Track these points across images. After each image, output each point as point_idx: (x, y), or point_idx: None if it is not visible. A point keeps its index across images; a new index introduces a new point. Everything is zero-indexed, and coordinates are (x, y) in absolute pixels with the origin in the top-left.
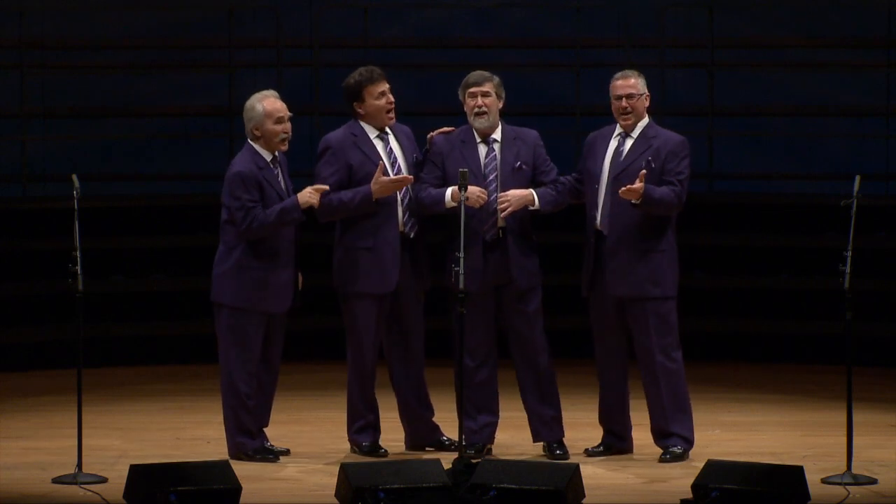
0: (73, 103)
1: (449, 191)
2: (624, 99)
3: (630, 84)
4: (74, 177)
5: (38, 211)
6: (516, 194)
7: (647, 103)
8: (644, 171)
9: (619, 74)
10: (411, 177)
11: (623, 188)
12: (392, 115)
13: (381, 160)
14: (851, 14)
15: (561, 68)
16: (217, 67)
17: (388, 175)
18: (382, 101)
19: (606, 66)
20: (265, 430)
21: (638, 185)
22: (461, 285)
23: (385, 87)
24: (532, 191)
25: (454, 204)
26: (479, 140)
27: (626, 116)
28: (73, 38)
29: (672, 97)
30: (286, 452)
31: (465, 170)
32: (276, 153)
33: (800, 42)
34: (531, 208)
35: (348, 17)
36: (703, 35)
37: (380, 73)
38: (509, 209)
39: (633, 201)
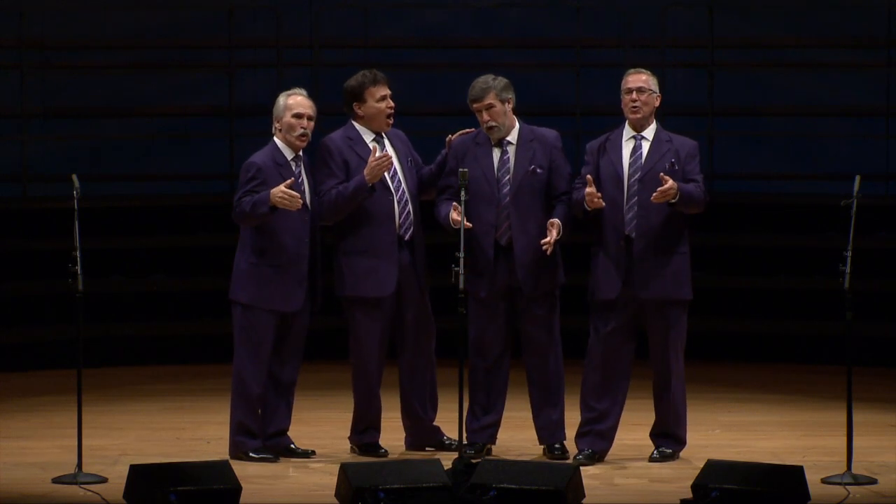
0: (73, 103)
1: (449, 212)
2: (634, 92)
3: (642, 79)
4: (74, 177)
5: (38, 211)
6: (554, 234)
7: (657, 103)
8: (663, 173)
9: (631, 70)
10: (388, 154)
11: (656, 193)
12: (392, 120)
13: (373, 145)
14: (851, 14)
15: (561, 68)
16: (217, 67)
17: (386, 158)
18: (383, 105)
19: (606, 66)
20: (288, 432)
21: (669, 184)
22: (461, 285)
23: (387, 91)
24: (558, 222)
25: (455, 228)
26: (493, 143)
27: (635, 110)
28: (73, 38)
29: (672, 97)
30: (311, 454)
31: (465, 170)
32: (300, 153)
33: (800, 42)
34: None
35: (348, 17)
36: (703, 35)
37: (383, 77)
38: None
39: (670, 201)
